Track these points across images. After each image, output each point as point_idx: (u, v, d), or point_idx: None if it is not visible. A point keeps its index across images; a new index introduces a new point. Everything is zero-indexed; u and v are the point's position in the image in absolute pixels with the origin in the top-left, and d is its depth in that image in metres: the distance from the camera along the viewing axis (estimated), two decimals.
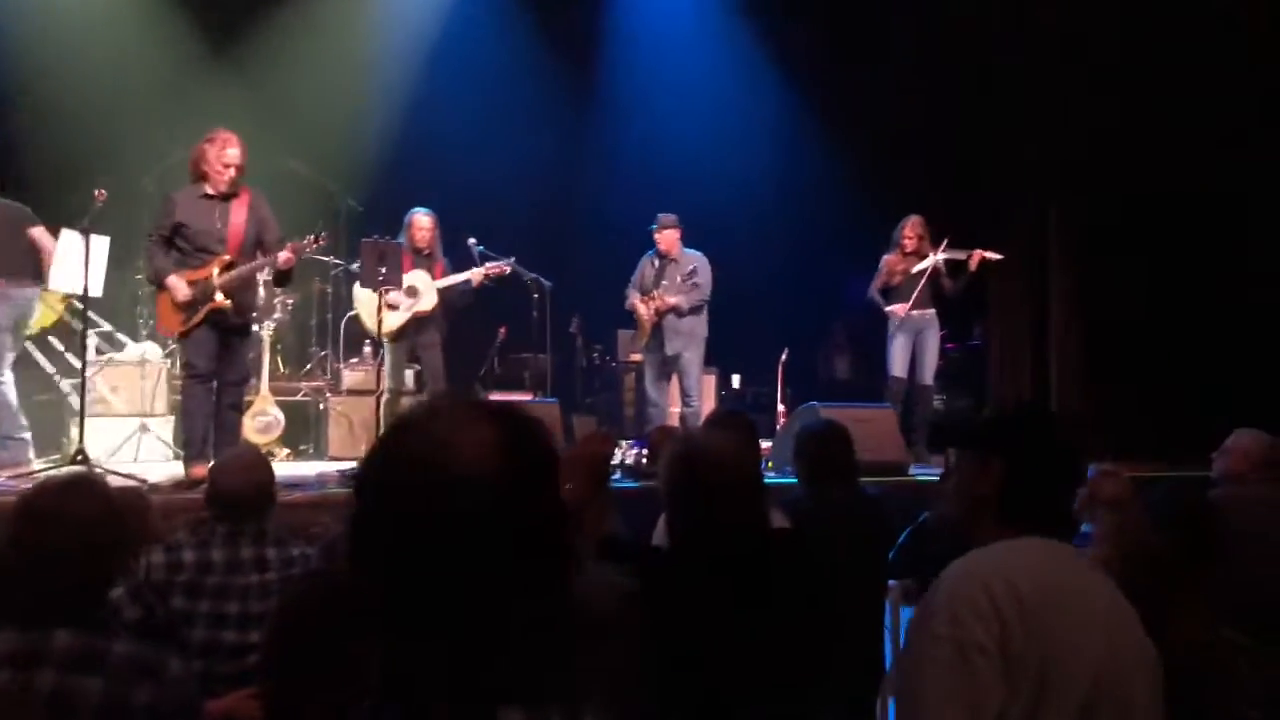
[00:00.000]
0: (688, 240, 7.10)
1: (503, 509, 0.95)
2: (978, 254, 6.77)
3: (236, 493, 2.92)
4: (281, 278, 5.57)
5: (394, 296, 6.25)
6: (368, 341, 7.50)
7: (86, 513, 1.88)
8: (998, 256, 6.87)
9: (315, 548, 2.93)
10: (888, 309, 6.91)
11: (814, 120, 8.97)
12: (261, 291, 7.26)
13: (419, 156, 8.28)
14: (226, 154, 5.12)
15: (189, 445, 5.21)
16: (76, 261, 5.36)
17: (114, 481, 4.81)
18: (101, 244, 5.49)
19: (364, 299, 6.55)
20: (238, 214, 5.19)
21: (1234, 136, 7.20)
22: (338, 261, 7.60)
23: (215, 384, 5.24)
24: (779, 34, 9.04)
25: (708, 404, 7.71)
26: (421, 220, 6.51)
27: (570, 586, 1.03)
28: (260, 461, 3.15)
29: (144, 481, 4.84)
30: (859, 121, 8.77)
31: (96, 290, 5.52)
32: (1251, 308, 7.12)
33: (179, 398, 5.82)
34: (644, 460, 5.50)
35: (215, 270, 5.10)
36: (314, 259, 7.61)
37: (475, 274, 6.46)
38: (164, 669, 1.82)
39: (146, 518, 2.91)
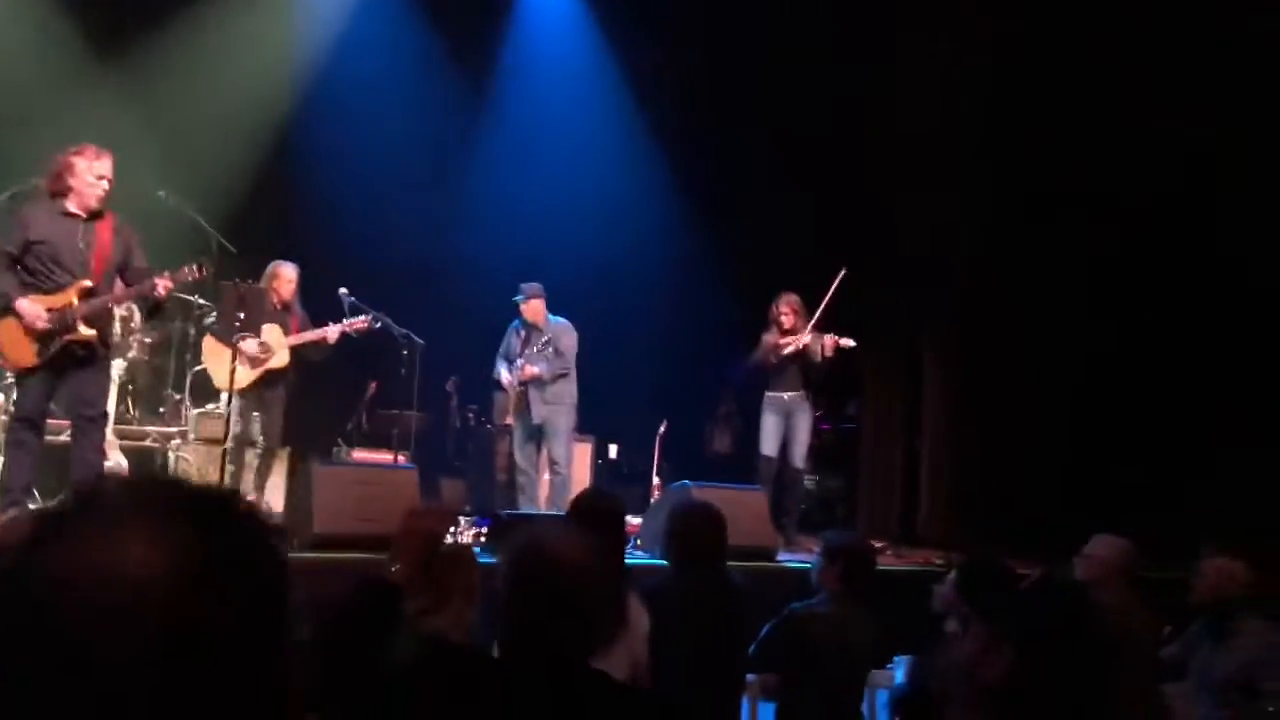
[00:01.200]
0: (575, 304, 6.99)
1: (170, 680, 0.64)
2: (830, 340, 6.65)
3: None
4: (154, 310, 5.16)
5: (247, 346, 5.88)
6: None
7: None
8: (851, 343, 6.68)
9: None
10: (781, 342, 6.69)
11: (698, 193, 9.02)
12: (117, 326, 6.81)
13: (298, 200, 7.97)
14: (98, 166, 4.68)
15: (7, 493, 4.72)
16: None
17: None
18: None
19: (212, 351, 6.25)
20: (104, 236, 4.74)
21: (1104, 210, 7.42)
22: (203, 303, 7.17)
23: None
24: (663, 102, 9.11)
25: (581, 471, 7.55)
26: (287, 272, 6.20)
27: None
28: None
29: None
30: (742, 196, 8.86)
31: None
32: (1127, 387, 7.18)
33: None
34: (483, 539, 5.38)
35: (74, 298, 4.64)
36: (178, 297, 7.18)
37: (331, 331, 6.14)
38: None
39: None
